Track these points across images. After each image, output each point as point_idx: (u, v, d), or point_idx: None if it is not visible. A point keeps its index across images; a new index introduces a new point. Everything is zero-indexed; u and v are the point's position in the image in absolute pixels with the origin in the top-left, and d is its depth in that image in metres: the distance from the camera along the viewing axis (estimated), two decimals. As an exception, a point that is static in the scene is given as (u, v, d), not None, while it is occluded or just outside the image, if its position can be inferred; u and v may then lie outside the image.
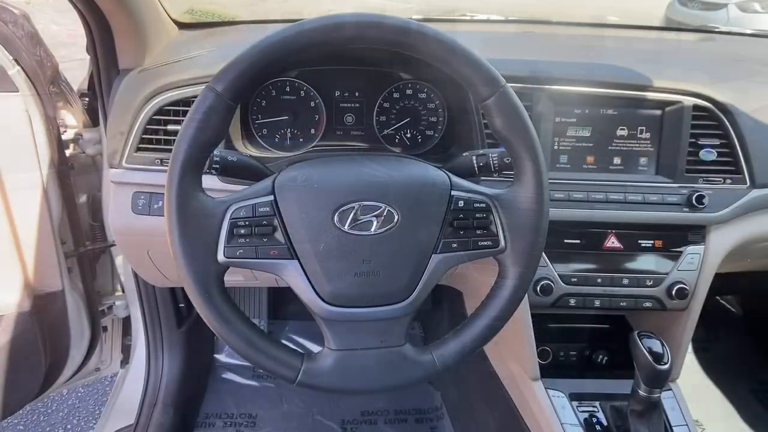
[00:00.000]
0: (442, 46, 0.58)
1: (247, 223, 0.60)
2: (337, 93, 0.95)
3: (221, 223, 0.60)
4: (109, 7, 0.87)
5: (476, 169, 0.72)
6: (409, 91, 0.96)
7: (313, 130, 0.96)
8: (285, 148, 0.95)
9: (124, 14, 0.89)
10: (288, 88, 0.94)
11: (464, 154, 0.75)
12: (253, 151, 0.94)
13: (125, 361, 1.40)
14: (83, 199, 1.18)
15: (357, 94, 0.96)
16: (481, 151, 0.74)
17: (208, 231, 0.59)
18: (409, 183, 0.63)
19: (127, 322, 1.37)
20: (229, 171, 0.68)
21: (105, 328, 1.32)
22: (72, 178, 1.11)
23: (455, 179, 0.65)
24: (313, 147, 0.96)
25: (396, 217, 0.61)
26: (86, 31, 0.92)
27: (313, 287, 0.60)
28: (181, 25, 1.17)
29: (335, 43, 0.57)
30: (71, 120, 1.12)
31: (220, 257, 0.59)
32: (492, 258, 0.65)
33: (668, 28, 1.55)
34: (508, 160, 0.69)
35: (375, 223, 0.60)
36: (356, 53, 0.90)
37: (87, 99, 1.13)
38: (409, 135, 0.98)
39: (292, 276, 0.61)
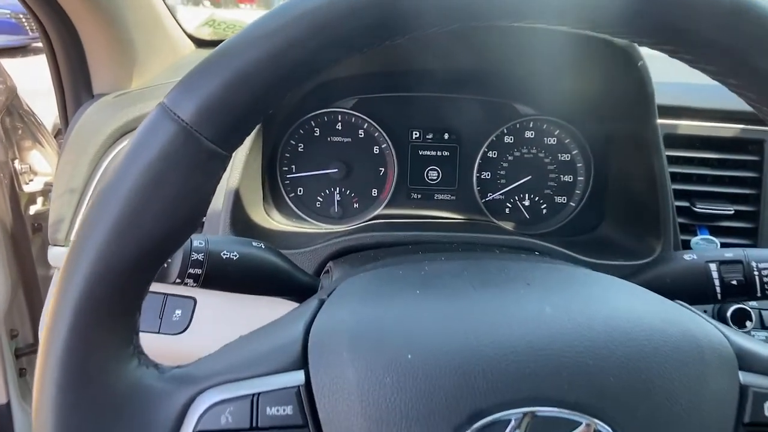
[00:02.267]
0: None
1: None
2: (416, 134, 0.62)
3: None
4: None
5: (719, 290, 0.35)
6: (529, 134, 0.61)
7: (375, 191, 0.62)
8: (331, 219, 0.62)
9: (95, 13, 0.57)
10: (339, 125, 0.60)
11: (685, 257, 0.38)
12: (280, 222, 0.60)
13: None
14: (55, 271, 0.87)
15: (447, 136, 0.62)
16: (728, 254, 0.36)
17: None
18: (644, 352, 0.24)
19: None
20: (223, 280, 0.35)
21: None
22: (39, 244, 0.81)
23: (741, 342, 0.26)
24: (374, 217, 0.61)
25: None
26: (42, 38, 0.61)
27: None
28: (200, 43, 0.89)
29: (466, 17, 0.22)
30: (42, 165, 0.82)
31: None
32: None
33: None
34: None
35: None
36: (460, 63, 0.55)
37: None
38: (527, 202, 0.62)
39: None
